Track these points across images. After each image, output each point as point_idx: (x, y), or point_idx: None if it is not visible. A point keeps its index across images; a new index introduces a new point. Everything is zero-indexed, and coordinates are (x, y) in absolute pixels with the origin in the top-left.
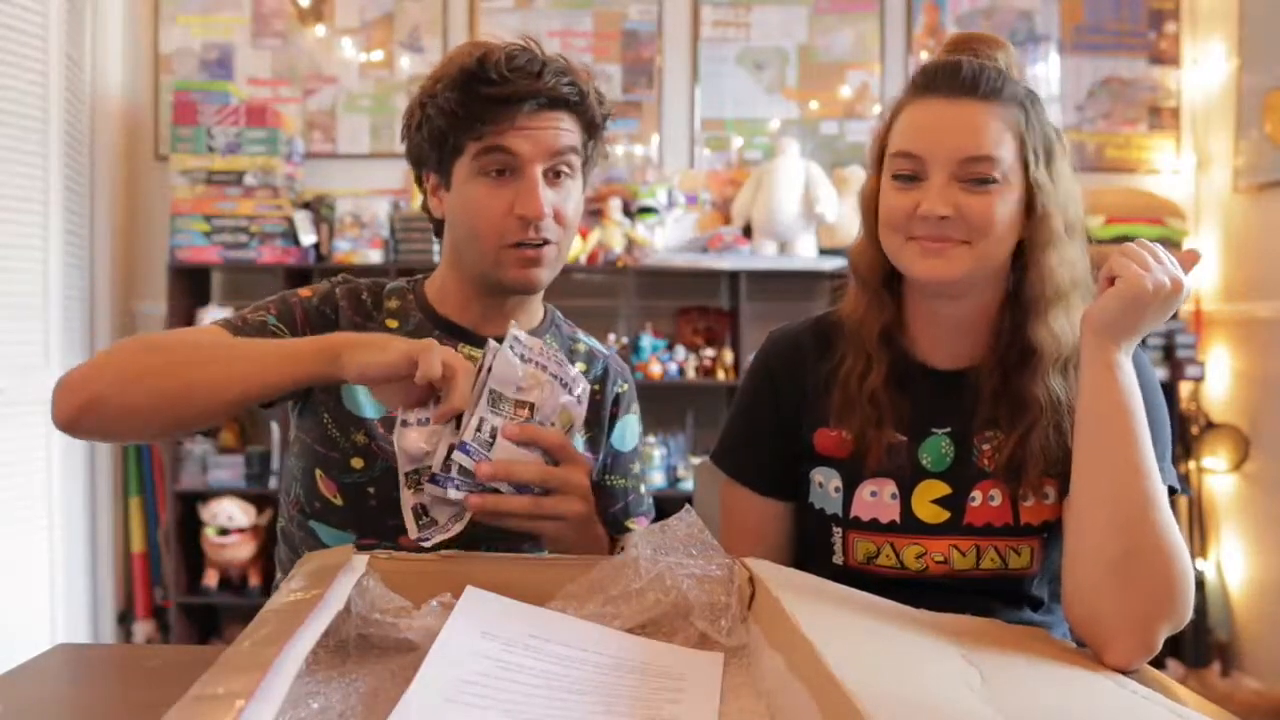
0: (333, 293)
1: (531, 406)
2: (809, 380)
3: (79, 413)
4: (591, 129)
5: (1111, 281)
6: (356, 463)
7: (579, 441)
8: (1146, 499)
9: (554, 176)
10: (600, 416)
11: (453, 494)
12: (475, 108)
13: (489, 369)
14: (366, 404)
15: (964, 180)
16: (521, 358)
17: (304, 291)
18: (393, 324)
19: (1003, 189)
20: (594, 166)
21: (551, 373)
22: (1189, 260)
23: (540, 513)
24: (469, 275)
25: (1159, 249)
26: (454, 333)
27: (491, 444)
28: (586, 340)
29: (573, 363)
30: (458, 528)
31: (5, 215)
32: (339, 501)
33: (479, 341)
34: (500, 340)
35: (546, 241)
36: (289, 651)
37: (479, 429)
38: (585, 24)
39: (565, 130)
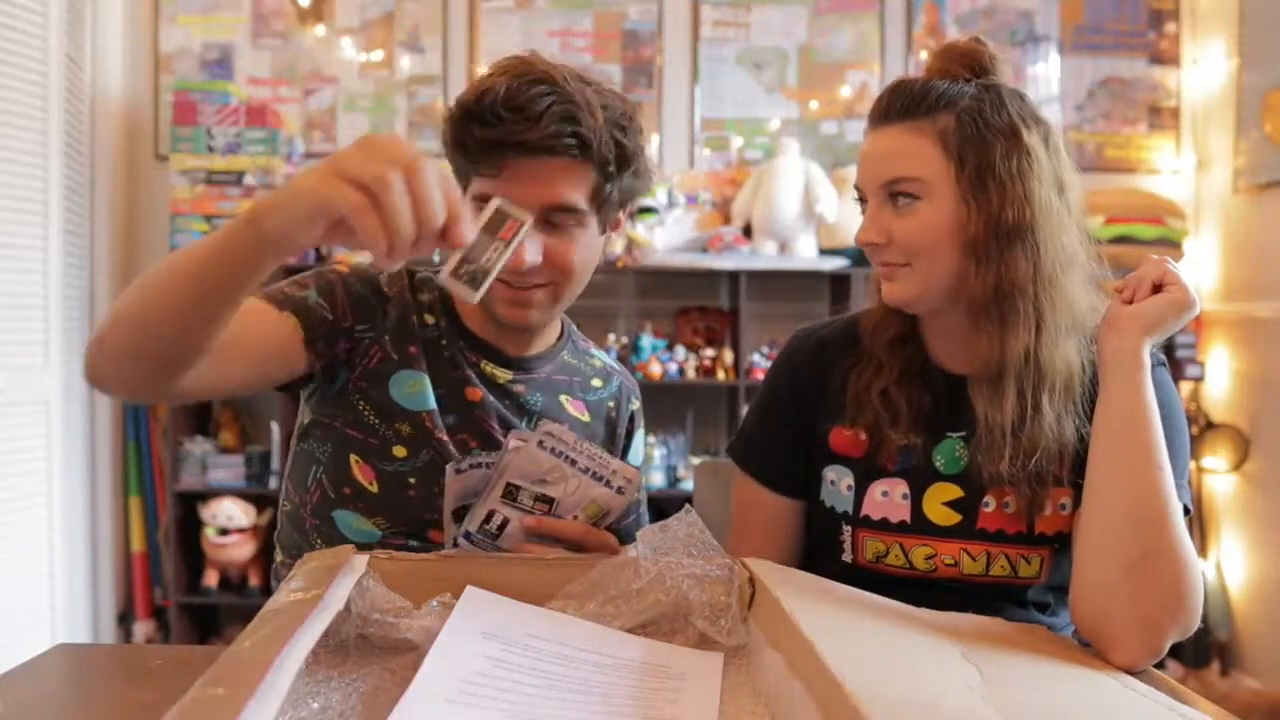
0: (368, 272)
1: (552, 501)
2: (830, 379)
3: (91, 358)
4: (606, 173)
5: (1158, 287)
6: (399, 451)
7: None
8: (1166, 500)
9: (551, 225)
10: (616, 434)
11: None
12: (469, 149)
13: (504, 466)
14: (416, 397)
15: (892, 203)
16: (552, 450)
17: (341, 266)
18: (429, 319)
19: (929, 204)
20: (619, 204)
21: (583, 466)
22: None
23: (588, 543)
24: None
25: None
26: (479, 348)
27: (499, 535)
28: (600, 355)
29: (588, 377)
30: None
31: (5, 215)
32: (374, 489)
33: (506, 363)
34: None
35: (537, 285)
36: (289, 651)
37: (487, 521)
38: (585, 24)
39: (563, 181)
